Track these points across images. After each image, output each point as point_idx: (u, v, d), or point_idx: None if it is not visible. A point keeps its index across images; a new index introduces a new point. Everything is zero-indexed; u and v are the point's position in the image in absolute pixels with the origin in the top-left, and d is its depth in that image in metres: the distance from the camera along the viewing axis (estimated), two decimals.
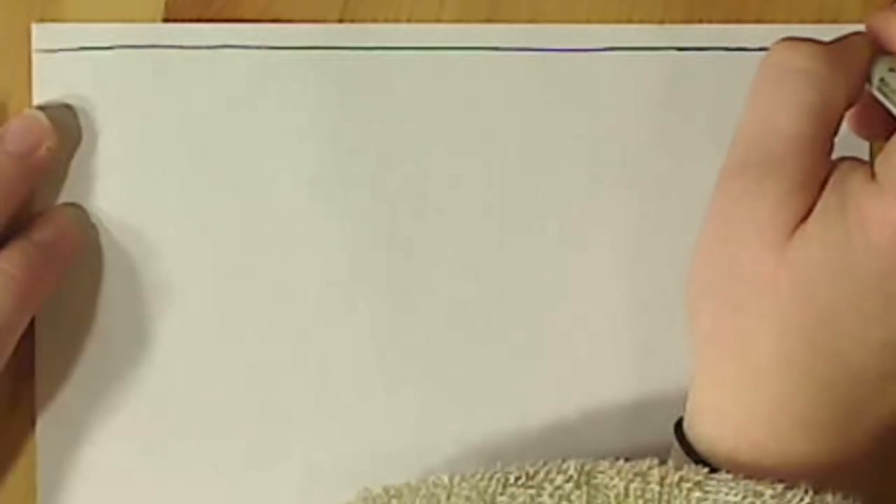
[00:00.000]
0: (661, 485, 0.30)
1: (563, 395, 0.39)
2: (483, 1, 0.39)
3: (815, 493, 0.29)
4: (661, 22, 0.39)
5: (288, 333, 0.39)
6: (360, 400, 0.39)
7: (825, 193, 0.31)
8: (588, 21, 0.39)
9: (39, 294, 0.38)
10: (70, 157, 0.39)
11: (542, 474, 0.31)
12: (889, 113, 0.33)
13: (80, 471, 0.39)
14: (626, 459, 0.31)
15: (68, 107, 0.39)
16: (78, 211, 0.39)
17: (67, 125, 0.39)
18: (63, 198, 0.39)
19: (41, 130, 0.38)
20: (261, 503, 0.39)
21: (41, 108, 0.39)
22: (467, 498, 0.30)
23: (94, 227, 0.39)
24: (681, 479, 0.30)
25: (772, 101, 0.32)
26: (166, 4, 0.39)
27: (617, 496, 0.30)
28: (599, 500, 0.30)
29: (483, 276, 0.39)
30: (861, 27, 0.39)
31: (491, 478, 0.31)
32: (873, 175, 0.31)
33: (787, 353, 0.31)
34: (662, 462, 0.31)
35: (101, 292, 0.39)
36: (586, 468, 0.31)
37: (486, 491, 0.30)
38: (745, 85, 0.39)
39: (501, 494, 0.30)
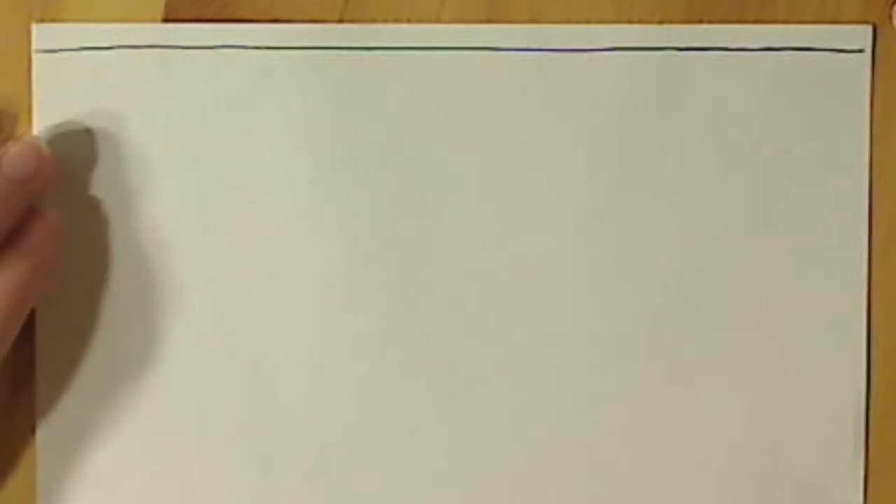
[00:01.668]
0: None
1: (562, 393, 0.39)
2: (483, 1, 0.39)
3: None
4: (661, 22, 0.39)
5: (288, 333, 0.39)
6: (360, 400, 0.39)
7: None
8: (588, 21, 0.39)
9: (28, 303, 0.37)
10: (69, 158, 0.39)
11: None
12: None
13: (80, 472, 0.39)
14: None
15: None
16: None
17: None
18: (61, 198, 0.39)
19: (40, 161, 0.37)
20: (261, 503, 0.39)
21: (41, 108, 0.39)
22: None
23: (90, 227, 0.39)
24: None
25: None
26: (166, 4, 0.39)
27: None
28: None
29: (483, 276, 0.39)
30: (862, 28, 0.39)
31: None
32: None
33: None
34: None
35: (100, 293, 0.39)
36: None
37: None
38: (745, 85, 0.39)
39: None
